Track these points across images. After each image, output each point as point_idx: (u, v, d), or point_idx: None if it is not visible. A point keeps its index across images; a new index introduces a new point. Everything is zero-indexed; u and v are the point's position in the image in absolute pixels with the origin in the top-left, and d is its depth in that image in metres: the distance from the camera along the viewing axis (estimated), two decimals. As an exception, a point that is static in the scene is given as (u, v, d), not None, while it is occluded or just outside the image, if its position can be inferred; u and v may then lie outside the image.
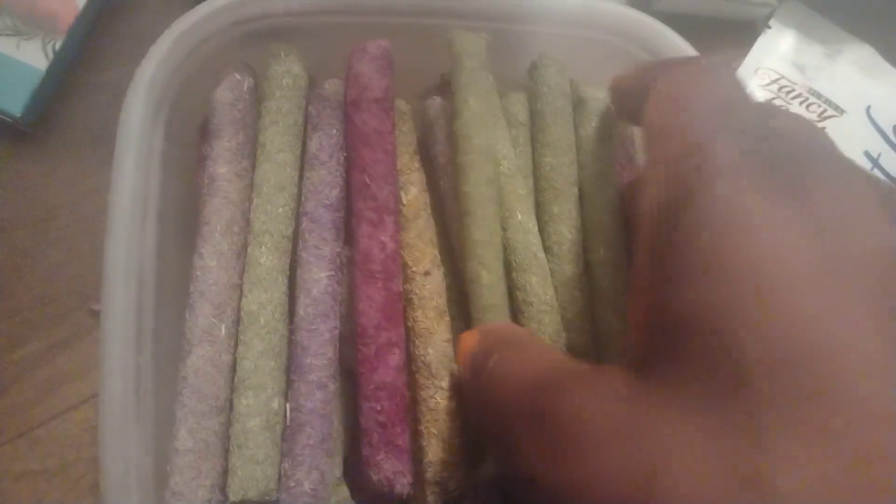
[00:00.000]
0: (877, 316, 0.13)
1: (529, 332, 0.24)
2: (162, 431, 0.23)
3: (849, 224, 0.15)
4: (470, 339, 0.22)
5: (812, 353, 0.13)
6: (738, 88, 0.19)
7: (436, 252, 0.25)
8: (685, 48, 0.29)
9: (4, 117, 0.34)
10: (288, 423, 0.23)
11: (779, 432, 0.12)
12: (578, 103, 0.28)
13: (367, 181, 0.24)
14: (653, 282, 0.16)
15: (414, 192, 0.26)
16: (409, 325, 0.24)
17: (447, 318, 0.24)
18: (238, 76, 0.26)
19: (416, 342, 0.24)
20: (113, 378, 0.22)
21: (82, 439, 0.32)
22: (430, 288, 0.24)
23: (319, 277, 0.24)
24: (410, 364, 0.24)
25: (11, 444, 0.31)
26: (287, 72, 0.26)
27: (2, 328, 0.33)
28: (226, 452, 0.22)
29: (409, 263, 0.25)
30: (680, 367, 0.14)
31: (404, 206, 0.26)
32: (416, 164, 0.27)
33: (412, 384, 0.24)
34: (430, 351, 0.24)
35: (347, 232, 0.25)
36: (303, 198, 0.25)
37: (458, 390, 0.23)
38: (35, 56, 0.35)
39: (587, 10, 0.29)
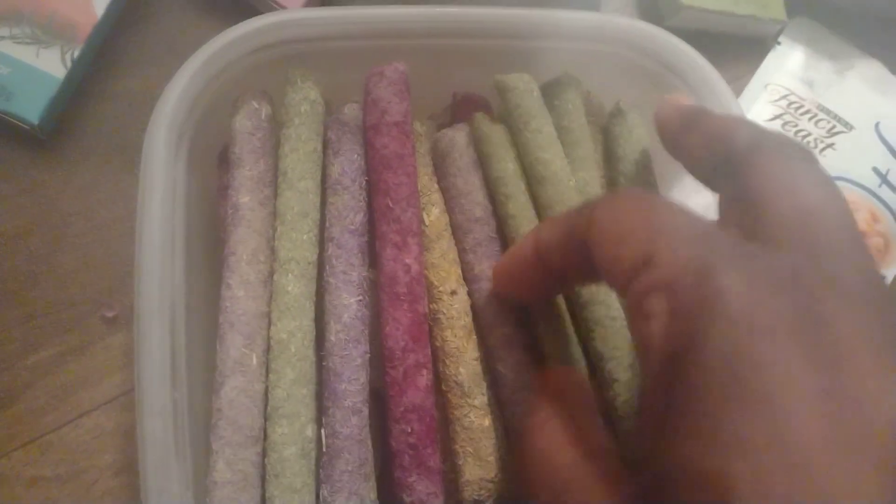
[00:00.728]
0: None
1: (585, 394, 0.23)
2: (198, 464, 0.23)
3: (864, 388, 0.14)
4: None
5: None
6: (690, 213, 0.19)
7: (460, 271, 0.25)
8: (699, 61, 0.29)
9: (22, 124, 0.34)
10: (324, 450, 0.23)
11: None
12: (615, 115, 0.29)
13: (391, 204, 0.25)
14: (661, 422, 0.16)
15: (436, 213, 0.26)
16: (438, 344, 0.24)
17: (475, 337, 0.25)
18: (256, 104, 0.27)
19: (447, 361, 0.24)
20: (152, 417, 0.22)
21: (94, 445, 0.32)
22: (457, 307, 0.25)
23: (349, 303, 0.24)
24: (440, 384, 0.24)
25: (23, 449, 0.31)
26: (304, 98, 0.26)
27: (16, 334, 0.33)
28: (262, 482, 0.23)
29: (435, 283, 0.25)
30: None
31: (427, 226, 0.26)
32: (436, 185, 0.27)
33: (443, 404, 0.24)
34: (462, 370, 0.24)
35: (371, 255, 0.25)
36: (327, 223, 0.25)
37: (489, 409, 0.24)
38: (54, 64, 0.35)
39: (602, 25, 0.30)
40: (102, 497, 0.31)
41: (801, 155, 0.20)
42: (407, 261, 0.24)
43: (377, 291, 0.25)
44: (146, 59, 0.39)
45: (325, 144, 0.27)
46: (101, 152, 0.37)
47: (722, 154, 0.21)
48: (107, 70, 0.38)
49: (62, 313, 0.34)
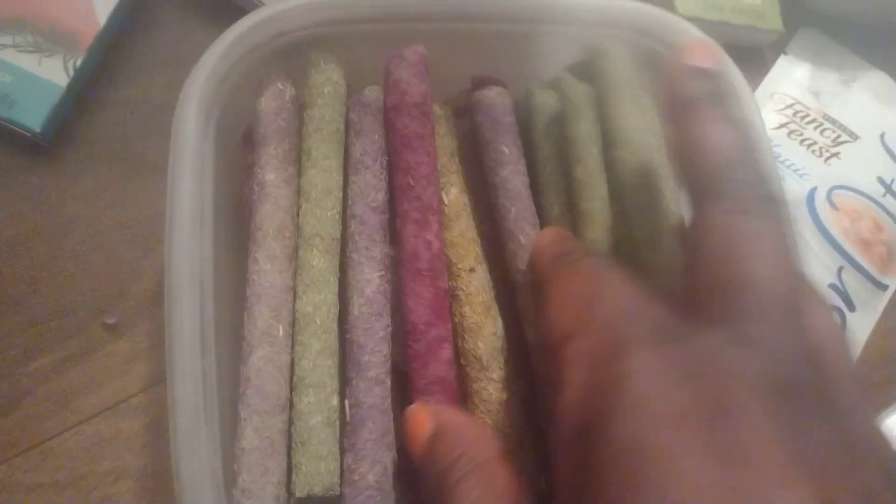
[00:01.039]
0: None
1: (489, 439, 0.22)
2: (225, 432, 0.23)
3: (768, 485, 0.14)
4: (422, 422, 0.22)
5: None
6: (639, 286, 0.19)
7: (479, 249, 0.26)
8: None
9: (24, 132, 0.35)
10: (348, 420, 0.23)
11: None
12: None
13: (412, 182, 0.25)
14: (573, 493, 0.16)
15: (455, 193, 0.27)
16: (457, 320, 0.25)
17: (493, 312, 0.25)
18: (280, 86, 0.27)
19: (466, 337, 0.25)
20: (183, 382, 0.22)
21: (94, 452, 0.32)
22: (476, 284, 0.25)
23: (372, 277, 0.25)
24: (459, 358, 0.25)
25: (23, 455, 0.32)
26: (327, 80, 0.27)
27: (16, 340, 0.33)
28: (288, 450, 0.23)
29: (454, 261, 0.26)
30: None
31: (446, 206, 0.26)
32: (455, 166, 0.28)
33: (462, 378, 0.25)
34: (481, 345, 0.24)
35: (392, 233, 0.26)
36: (349, 201, 0.26)
37: (507, 383, 0.24)
38: (56, 72, 0.35)
39: (612, 9, 0.30)
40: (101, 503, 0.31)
41: (758, 207, 0.18)
42: (428, 237, 0.25)
43: (398, 268, 0.25)
44: (148, 68, 0.39)
45: (347, 125, 0.28)
46: (102, 159, 0.37)
47: (693, 174, 0.19)
48: (108, 78, 0.38)
49: (63, 320, 0.34)
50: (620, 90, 0.27)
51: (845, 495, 0.14)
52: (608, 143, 0.26)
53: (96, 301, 0.34)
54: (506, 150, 0.27)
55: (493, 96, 0.28)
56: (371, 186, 0.26)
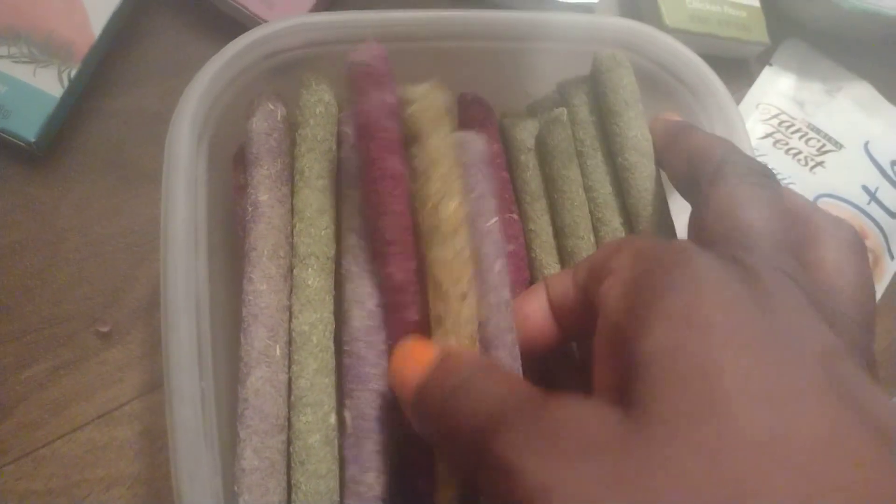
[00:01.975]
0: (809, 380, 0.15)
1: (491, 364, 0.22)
2: (225, 452, 0.24)
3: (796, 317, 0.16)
4: (423, 356, 0.20)
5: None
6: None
7: (472, 272, 0.24)
8: (693, 59, 0.30)
9: (18, 142, 0.35)
10: (350, 432, 0.23)
11: None
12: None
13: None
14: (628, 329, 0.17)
15: (454, 206, 0.24)
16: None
17: (478, 347, 0.24)
18: (271, 106, 0.27)
19: None
20: (182, 405, 0.22)
21: (86, 460, 0.32)
22: (465, 314, 0.23)
23: (372, 291, 0.24)
24: None
25: (16, 463, 0.32)
26: (319, 100, 0.27)
27: (9, 348, 0.33)
28: (288, 469, 0.23)
29: (444, 284, 0.23)
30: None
31: (443, 220, 0.24)
32: (457, 172, 0.25)
33: None
34: None
35: None
36: (345, 214, 0.26)
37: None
38: (50, 83, 0.35)
39: (599, 25, 0.31)
40: (94, 511, 0.31)
41: (757, 180, 0.22)
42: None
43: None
44: (142, 78, 0.39)
45: (340, 138, 0.28)
46: (96, 169, 0.37)
47: (697, 169, 0.23)
48: (103, 88, 0.38)
49: (56, 328, 0.34)
50: (630, 102, 0.28)
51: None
52: (617, 149, 0.28)
53: (90, 309, 0.35)
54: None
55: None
56: None
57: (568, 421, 0.16)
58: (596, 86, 0.30)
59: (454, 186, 0.24)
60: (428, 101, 0.24)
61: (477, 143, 0.27)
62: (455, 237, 0.24)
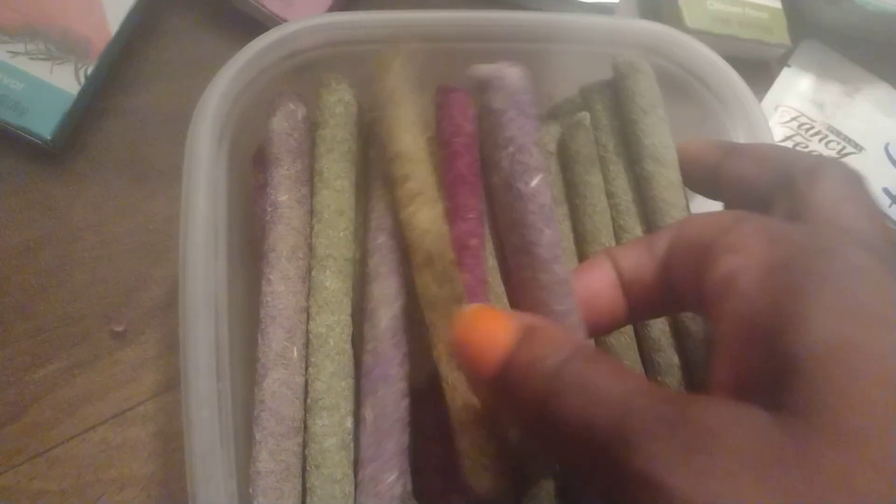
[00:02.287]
0: None
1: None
2: (240, 454, 0.23)
3: None
4: (501, 327, 0.18)
5: None
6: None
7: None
8: (717, 61, 0.30)
9: (34, 139, 0.35)
10: (372, 430, 0.23)
11: None
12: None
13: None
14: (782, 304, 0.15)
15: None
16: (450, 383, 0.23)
17: None
18: (292, 106, 0.27)
19: (454, 397, 0.23)
20: (199, 407, 0.22)
21: (100, 460, 0.32)
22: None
23: (401, 292, 0.24)
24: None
25: (29, 463, 0.31)
26: (339, 100, 0.27)
27: (24, 347, 0.33)
28: (303, 472, 0.23)
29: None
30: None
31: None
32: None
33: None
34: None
35: None
36: (377, 214, 0.26)
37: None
38: (67, 80, 0.35)
39: (621, 27, 0.31)
40: (107, 512, 0.31)
41: (854, 177, 0.21)
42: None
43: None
44: (158, 76, 0.39)
45: (370, 139, 0.27)
46: (112, 167, 0.37)
47: (783, 174, 0.22)
48: (119, 86, 0.38)
49: (71, 327, 0.34)
50: (648, 109, 0.28)
51: None
52: (636, 157, 0.28)
53: (104, 308, 0.34)
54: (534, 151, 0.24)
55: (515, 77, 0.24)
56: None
57: (718, 428, 0.14)
58: (616, 91, 0.30)
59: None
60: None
61: (511, 77, 0.23)
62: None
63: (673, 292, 0.20)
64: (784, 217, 0.21)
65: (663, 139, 0.28)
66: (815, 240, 0.16)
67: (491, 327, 0.18)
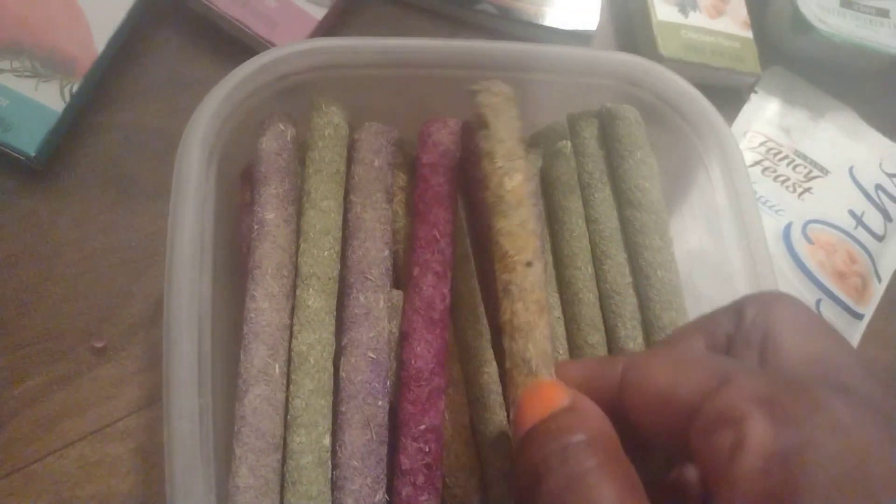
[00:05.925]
0: None
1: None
2: (220, 469, 0.23)
3: None
4: (556, 395, 0.19)
5: None
6: None
7: (538, 244, 0.24)
8: (690, 91, 0.31)
9: (18, 156, 0.35)
10: (370, 438, 0.23)
11: None
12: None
13: (438, 236, 0.26)
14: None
15: (518, 179, 0.24)
16: (507, 318, 0.22)
17: (546, 314, 0.23)
18: (282, 126, 0.28)
19: (515, 336, 0.22)
20: (181, 420, 0.22)
21: (78, 476, 0.32)
22: (531, 280, 0.22)
23: (382, 315, 0.25)
24: (505, 360, 0.22)
25: (7, 479, 0.31)
26: (328, 123, 0.28)
27: (3, 362, 0.33)
28: (282, 489, 0.23)
29: (510, 252, 0.23)
30: None
31: (508, 192, 0.24)
32: (521, 152, 0.25)
33: (507, 382, 0.23)
34: (531, 347, 0.22)
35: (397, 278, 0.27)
36: (362, 234, 0.27)
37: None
38: (52, 98, 0.35)
39: (599, 59, 0.32)
40: (84, 528, 0.31)
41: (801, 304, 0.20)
42: (444, 290, 0.25)
43: (408, 313, 0.26)
44: (143, 94, 0.39)
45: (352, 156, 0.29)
46: (95, 184, 0.37)
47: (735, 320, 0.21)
48: (104, 103, 0.38)
49: (51, 343, 0.34)
50: (628, 154, 0.30)
51: None
52: (624, 202, 0.30)
53: (85, 324, 0.34)
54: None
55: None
56: (380, 222, 0.27)
57: None
58: (603, 127, 0.31)
59: (518, 163, 0.24)
60: (494, 88, 0.25)
61: None
62: (519, 208, 0.23)
63: (632, 427, 0.20)
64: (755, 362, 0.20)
65: (638, 182, 0.29)
66: (807, 407, 0.16)
67: (542, 397, 0.19)
